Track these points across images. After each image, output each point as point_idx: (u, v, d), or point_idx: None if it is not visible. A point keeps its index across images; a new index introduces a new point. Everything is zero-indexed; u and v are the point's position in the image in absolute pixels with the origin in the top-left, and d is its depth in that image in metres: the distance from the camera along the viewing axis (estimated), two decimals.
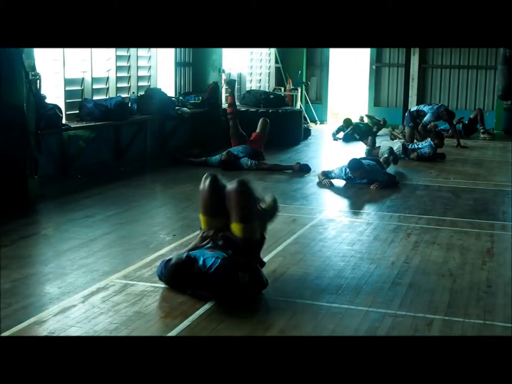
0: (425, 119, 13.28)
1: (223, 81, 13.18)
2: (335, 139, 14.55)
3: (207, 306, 4.62)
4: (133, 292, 4.89)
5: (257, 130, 11.15)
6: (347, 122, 14.92)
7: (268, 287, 4.96)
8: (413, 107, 14.06)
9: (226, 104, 12.34)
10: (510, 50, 14.93)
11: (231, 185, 4.99)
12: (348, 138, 14.41)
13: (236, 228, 4.94)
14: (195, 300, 4.71)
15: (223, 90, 13.48)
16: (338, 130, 14.84)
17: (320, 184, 9.20)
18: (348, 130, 14.44)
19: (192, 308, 4.58)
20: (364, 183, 9.17)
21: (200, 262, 4.72)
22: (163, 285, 4.97)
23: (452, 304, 4.85)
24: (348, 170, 9.17)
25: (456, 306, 4.81)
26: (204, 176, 5.19)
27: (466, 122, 15.42)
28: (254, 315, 4.57)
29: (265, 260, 5.66)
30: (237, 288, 4.70)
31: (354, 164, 9.18)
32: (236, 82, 12.33)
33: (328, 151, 13.47)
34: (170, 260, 4.87)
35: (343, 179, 9.25)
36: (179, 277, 4.76)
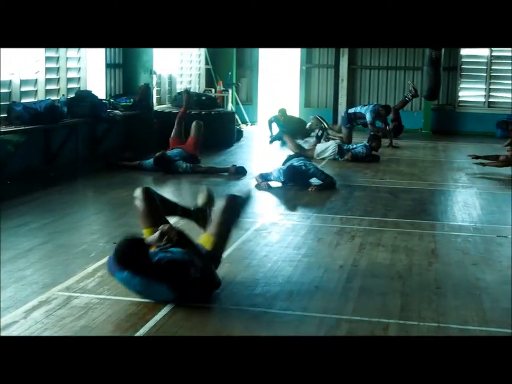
0: (367, 119, 13.34)
1: (154, 83, 12.95)
2: (274, 139, 14.29)
3: (157, 318, 4.44)
4: (77, 304, 4.66)
5: (192, 134, 10.96)
6: (282, 112, 14.86)
7: (219, 295, 4.83)
8: (350, 109, 14.06)
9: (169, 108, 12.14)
10: (435, 51, 15.20)
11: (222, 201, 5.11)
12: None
13: (207, 239, 4.91)
14: (144, 312, 4.53)
15: (154, 92, 13.26)
16: (270, 122, 14.76)
17: (259, 187, 9.09)
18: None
19: (142, 320, 4.41)
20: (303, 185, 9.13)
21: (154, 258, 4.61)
22: (109, 296, 4.77)
23: (405, 308, 4.81)
24: (285, 173, 9.10)
25: (409, 310, 4.78)
26: (136, 192, 5.09)
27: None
28: (206, 325, 4.42)
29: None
30: (187, 282, 4.59)
31: (292, 175, 9.11)
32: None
33: (262, 153, 13.37)
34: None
35: (281, 182, 9.17)
36: (133, 250, 4.54)
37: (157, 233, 4.71)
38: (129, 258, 4.51)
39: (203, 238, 5.01)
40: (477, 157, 10.92)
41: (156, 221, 4.98)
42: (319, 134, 13.33)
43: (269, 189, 9.02)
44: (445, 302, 4.95)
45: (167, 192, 8.86)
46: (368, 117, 13.31)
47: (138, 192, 5.08)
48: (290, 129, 13.81)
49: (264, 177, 9.21)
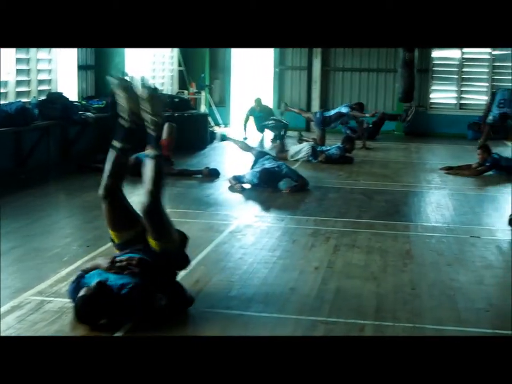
0: (345, 111, 13.35)
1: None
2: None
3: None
4: (50, 309, 4.60)
5: (164, 136, 10.89)
6: (258, 101, 14.88)
7: (195, 298, 4.79)
8: (326, 112, 13.99)
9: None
10: (409, 53, 15.28)
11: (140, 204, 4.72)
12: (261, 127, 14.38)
13: (152, 243, 4.70)
14: None
15: None
16: (247, 116, 14.75)
17: (232, 189, 9.07)
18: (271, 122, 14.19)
19: (116, 323, 4.35)
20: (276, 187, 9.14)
21: (112, 281, 4.38)
22: None
23: (380, 309, 4.82)
24: (259, 175, 9.08)
25: (384, 311, 4.78)
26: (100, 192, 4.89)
27: (371, 125, 15.69)
28: (183, 329, 4.39)
29: (187, 269, 5.49)
30: (153, 311, 4.38)
31: (266, 177, 9.09)
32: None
33: (235, 155, 13.32)
34: (79, 282, 4.49)
35: (255, 183, 9.15)
36: (91, 308, 4.26)
37: (107, 264, 4.55)
38: (88, 316, 4.31)
39: (150, 241, 4.74)
40: (449, 169, 11.00)
41: (120, 225, 4.84)
42: (282, 132, 13.34)
43: (243, 190, 9.00)
44: (420, 303, 4.97)
45: (139, 195, 8.81)
46: (344, 110, 13.36)
47: (101, 192, 4.89)
48: (266, 118, 13.95)
49: (238, 179, 9.18)
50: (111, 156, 4.79)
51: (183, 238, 4.92)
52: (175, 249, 4.77)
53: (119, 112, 4.75)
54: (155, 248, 4.68)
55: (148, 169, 4.70)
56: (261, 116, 15.29)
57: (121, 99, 4.73)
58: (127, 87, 4.76)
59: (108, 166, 4.82)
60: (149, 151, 4.76)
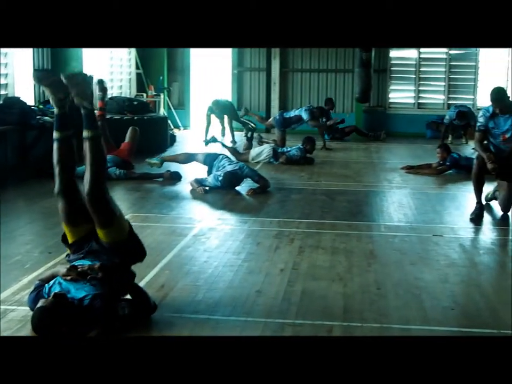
0: (305, 118, 13.37)
1: None
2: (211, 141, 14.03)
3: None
4: (14, 318, 4.50)
5: (126, 140, 10.80)
6: (214, 102, 14.85)
7: (160, 303, 4.74)
8: (286, 113, 14.00)
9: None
10: (366, 53, 15.40)
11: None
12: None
13: (100, 234, 4.55)
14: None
15: None
16: (209, 115, 14.73)
17: (194, 192, 9.01)
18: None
19: (77, 333, 4.27)
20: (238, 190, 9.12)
21: (72, 293, 4.30)
22: None
23: (347, 309, 4.82)
24: (221, 178, 9.05)
25: (351, 311, 4.78)
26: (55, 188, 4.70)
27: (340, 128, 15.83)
28: (150, 335, 4.32)
29: (151, 274, 5.46)
30: (115, 319, 4.29)
31: (230, 180, 9.08)
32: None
33: None
34: (38, 292, 4.40)
35: (218, 187, 9.10)
36: (50, 320, 4.13)
37: (65, 271, 4.44)
38: (45, 328, 4.15)
39: (98, 234, 4.61)
40: (409, 168, 11.10)
41: (73, 220, 4.64)
42: (249, 135, 13.31)
43: (205, 193, 8.95)
44: (386, 303, 4.98)
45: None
46: (305, 116, 13.37)
47: (55, 189, 4.69)
48: (226, 113, 14.52)
49: (200, 182, 9.13)
50: (53, 149, 4.64)
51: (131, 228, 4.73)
52: (126, 239, 4.60)
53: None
54: (104, 240, 4.53)
55: (86, 152, 4.50)
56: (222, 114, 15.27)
57: (46, 90, 4.68)
58: (48, 76, 4.72)
59: (54, 160, 4.66)
60: (84, 133, 4.51)
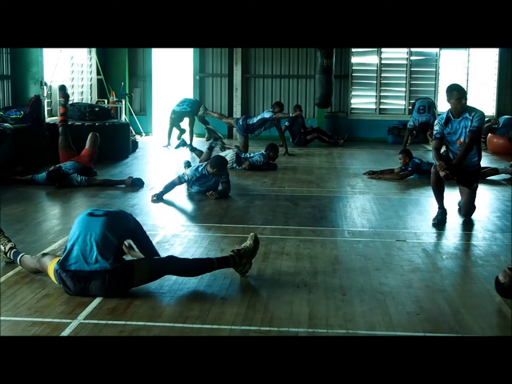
0: (267, 116, 13.40)
1: (45, 94, 12.56)
2: (180, 145, 13.76)
3: (64, 334, 4.25)
4: None
5: (87, 146, 10.69)
6: (173, 111, 14.84)
7: (124, 312, 4.67)
8: (249, 119, 13.97)
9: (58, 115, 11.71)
10: (327, 59, 15.50)
11: None
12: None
13: None
14: (48, 331, 4.32)
15: (45, 104, 12.87)
16: (172, 118, 14.66)
17: (156, 201, 8.86)
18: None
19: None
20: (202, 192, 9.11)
21: None
22: (8, 318, 4.54)
23: (313, 316, 4.80)
24: (201, 169, 9.07)
25: (317, 317, 4.77)
26: None
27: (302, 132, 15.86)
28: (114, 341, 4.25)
29: None
30: None
31: (196, 178, 9.08)
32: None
33: (159, 163, 13.21)
34: None
35: (196, 178, 9.10)
36: None
37: None
38: None
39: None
40: (372, 173, 11.16)
41: None
42: (213, 144, 13.21)
43: (158, 200, 8.82)
44: (352, 308, 4.97)
45: (60, 206, 8.60)
46: (267, 114, 13.39)
47: None
48: (190, 112, 14.51)
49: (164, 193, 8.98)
50: None
51: None
52: None
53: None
54: None
55: None
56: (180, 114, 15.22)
57: None
58: None
59: None
60: None
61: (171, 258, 5.35)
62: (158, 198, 8.84)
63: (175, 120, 14.99)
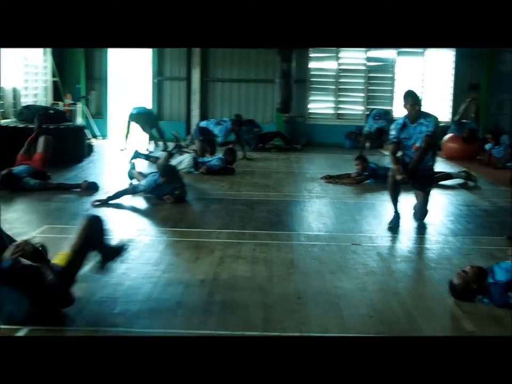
0: (219, 140, 13.42)
1: None
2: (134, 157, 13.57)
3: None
4: None
5: (39, 150, 10.53)
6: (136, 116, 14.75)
7: (77, 317, 4.61)
8: (201, 122, 13.99)
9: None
10: (287, 64, 15.58)
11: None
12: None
13: (62, 257, 4.73)
14: None
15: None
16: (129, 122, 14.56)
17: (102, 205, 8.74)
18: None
19: None
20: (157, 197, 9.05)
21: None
22: None
23: (268, 319, 4.80)
24: (156, 178, 9.01)
25: (272, 321, 4.77)
26: None
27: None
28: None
29: None
30: (43, 289, 4.41)
31: (169, 169, 9.08)
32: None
33: (114, 167, 13.08)
34: None
35: (151, 189, 9.05)
36: None
37: (11, 247, 4.46)
38: None
39: (59, 257, 4.78)
40: (329, 177, 11.21)
41: None
42: (173, 151, 13.15)
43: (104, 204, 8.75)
44: (306, 312, 4.99)
45: (15, 211, 8.47)
46: (219, 137, 13.40)
47: None
48: (145, 121, 14.50)
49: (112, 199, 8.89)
50: None
51: None
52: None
53: None
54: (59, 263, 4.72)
55: None
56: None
57: None
58: None
59: None
60: None
61: None
62: (103, 203, 8.74)
63: (133, 123, 14.95)
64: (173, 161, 11.62)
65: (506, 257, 5.54)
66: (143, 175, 9.89)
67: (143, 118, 15.05)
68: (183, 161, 11.70)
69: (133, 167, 10.68)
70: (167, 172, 9.16)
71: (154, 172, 9.47)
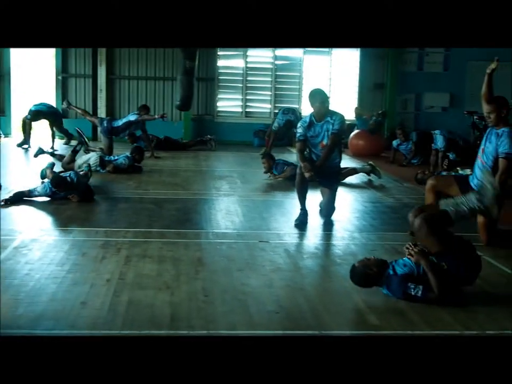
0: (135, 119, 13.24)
1: None
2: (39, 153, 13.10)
3: None
4: None
5: None
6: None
7: None
8: (114, 122, 13.71)
9: None
10: (190, 61, 15.49)
11: None
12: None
13: None
14: None
15: None
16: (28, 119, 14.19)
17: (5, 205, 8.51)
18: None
19: None
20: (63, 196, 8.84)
21: None
22: None
23: (175, 318, 4.77)
24: (51, 186, 8.76)
25: (178, 320, 4.74)
26: None
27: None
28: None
29: None
30: None
31: (58, 181, 8.80)
32: None
33: (17, 166, 12.76)
34: None
35: (47, 195, 8.79)
36: None
37: None
38: None
39: None
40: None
41: None
42: (78, 148, 12.89)
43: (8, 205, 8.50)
44: (213, 309, 4.98)
45: None
46: (133, 117, 13.24)
47: None
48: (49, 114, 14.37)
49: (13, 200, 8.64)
50: None
51: None
52: None
53: None
54: None
55: None
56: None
57: None
58: None
59: None
60: None
61: None
62: (6, 202, 8.50)
63: (31, 120, 14.60)
64: (79, 160, 11.43)
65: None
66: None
67: (44, 115, 14.70)
68: (89, 159, 11.48)
69: (49, 166, 10.37)
70: (57, 184, 8.85)
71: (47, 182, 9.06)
